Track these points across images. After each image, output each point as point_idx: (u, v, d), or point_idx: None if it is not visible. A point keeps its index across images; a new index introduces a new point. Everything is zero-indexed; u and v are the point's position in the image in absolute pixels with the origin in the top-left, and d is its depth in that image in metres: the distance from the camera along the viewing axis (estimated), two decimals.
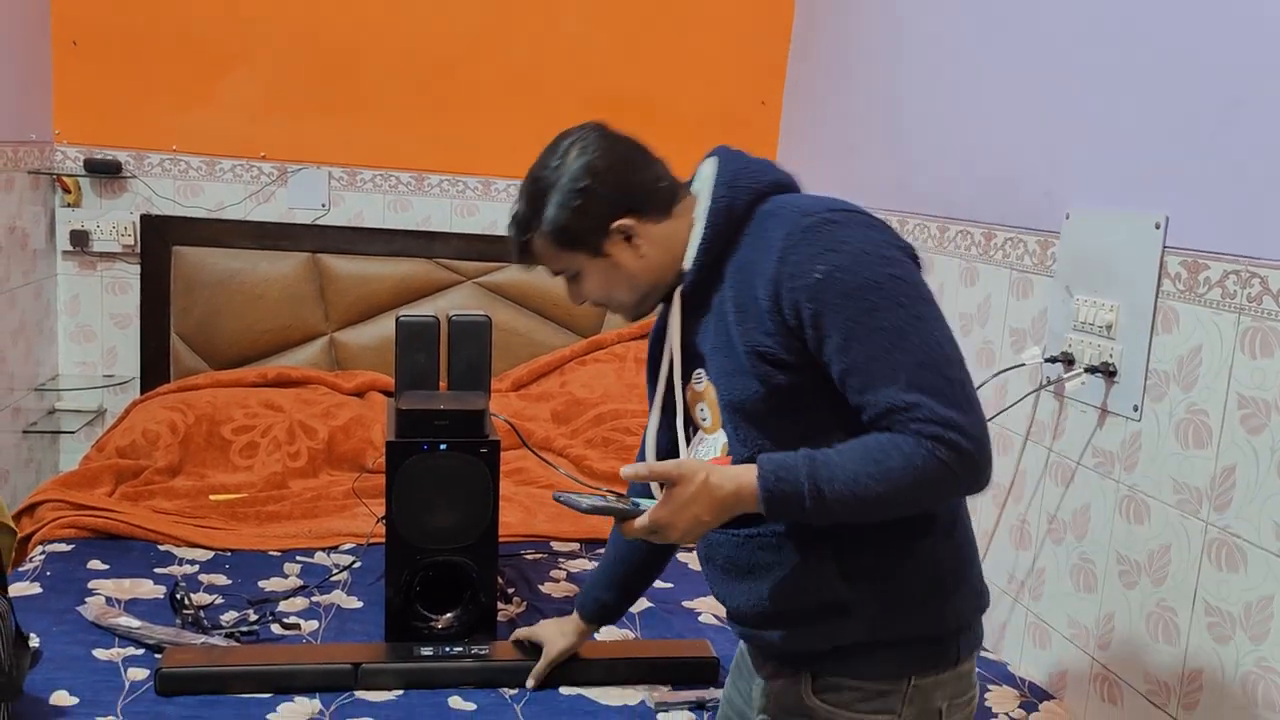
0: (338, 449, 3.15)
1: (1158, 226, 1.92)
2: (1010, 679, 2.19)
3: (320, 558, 2.58)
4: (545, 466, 2.84)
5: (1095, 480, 2.09)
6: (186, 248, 3.54)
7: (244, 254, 3.57)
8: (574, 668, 2.01)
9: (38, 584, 2.28)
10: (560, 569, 2.60)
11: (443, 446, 2.08)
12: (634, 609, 2.26)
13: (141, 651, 2.02)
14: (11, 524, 1.90)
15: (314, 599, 2.34)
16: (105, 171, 3.51)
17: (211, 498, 2.85)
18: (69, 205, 3.52)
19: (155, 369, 3.54)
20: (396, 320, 2.25)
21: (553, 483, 3.05)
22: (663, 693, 2.00)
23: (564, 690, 1.99)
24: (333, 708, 1.88)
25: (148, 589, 2.32)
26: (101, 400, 3.65)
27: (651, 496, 1.35)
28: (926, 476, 1.23)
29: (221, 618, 2.19)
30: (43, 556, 2.43)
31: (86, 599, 2.20)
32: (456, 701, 1.92)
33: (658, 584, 1.98)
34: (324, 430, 3.15)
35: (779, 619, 1.40)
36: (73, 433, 3.59)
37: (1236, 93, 1.78)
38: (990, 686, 2.12)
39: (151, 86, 3.54)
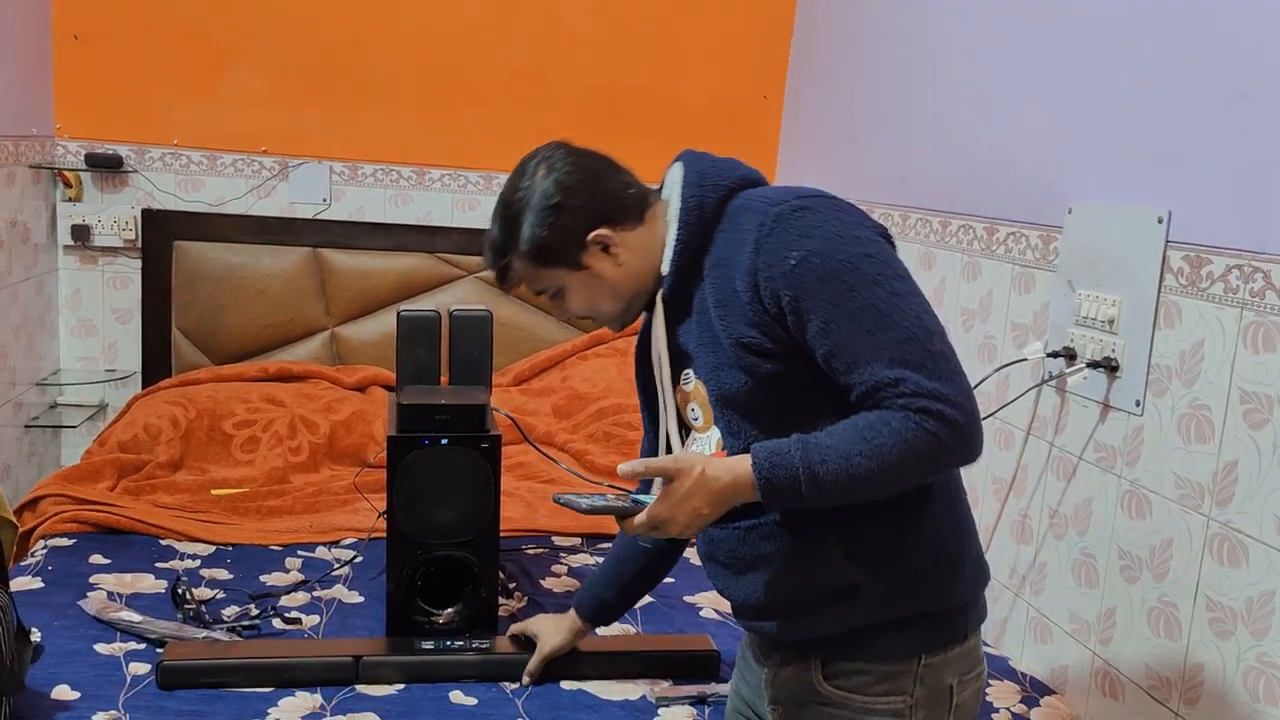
0: (339, 444, 3.15)
1: (1160, 221, 1.92)
2: (1012, 674, 2.19)
3: (321, 552, 2.58)
4: (546, 461, 2.84)
5: (1097, 475, 2.08)
6: (188, 242, 3.54)
7: (245, 248, 3.57)
8: (574, 661, 2.00)
9: (39, 579, 2.28)
10: (561, 564, 2.60)
11: (444, 441, 2.08)
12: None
13: (143, 646, 2.02)
14: (13, 518, 1.90)
15: (315, 594, 2.34)
16: (106, 166, 3.51)
17: (213, 492, 2.85)
18: (70, 200, 3.52)
19: (157, 364, 3.54)
20: (398, 315, 2.25)
21: (554, 478, 3.04)
22: (663, 688, 2.00)
23: (565, 685, 1.99)
24: (334, 702, 1.88)
25: (149, 583, 2.32)
26: (103, 395, 3.65)
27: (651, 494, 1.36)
28: (918, 450, 1.24)
29: (223, 612, 2.19)
30: (44, 551, 2.43)
31: (88, 594, 2.21)
32: (458, 696, 1.92)
33: None
34: (325, 425, 3.15)
35: (787, 608, 1.41)
36: (74, 427, 3.59)
37: (1239, 87, 1.77)
38: (991, 681, 2.12)
39: (152, 81, 3.53)
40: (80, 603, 2.15)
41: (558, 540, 2.74)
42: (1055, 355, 2.17)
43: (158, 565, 2.42)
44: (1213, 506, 1.78)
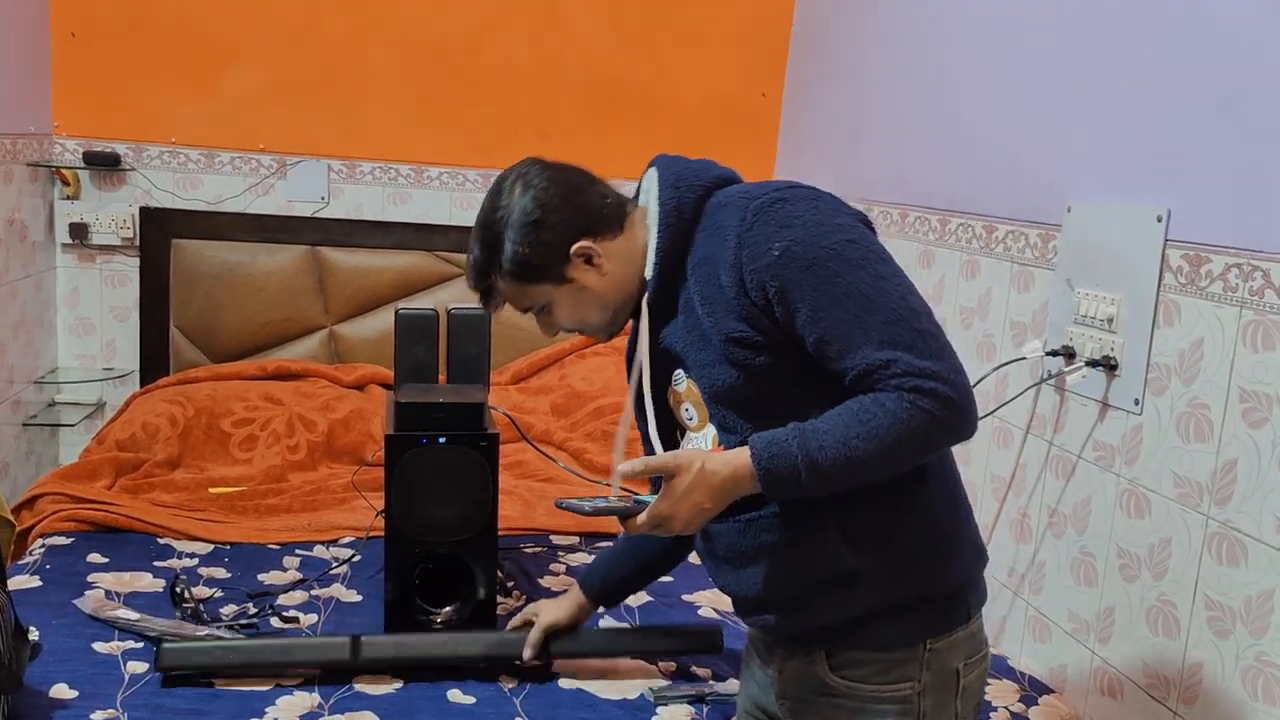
0: (337, 442, 3.14)
1: (1159, 220, 1.91)
2: (1010, 673, 2.18)
3: (319, 551, 2.58)
4: (545, 460, 2.84)
5: (1096, 474, 2.08)
6: (186, 240, 3.54)
7: (243, 247, 3.57)
8: (577, 640, 2.00)
9: (37, 577, 2.28)
10: (560, 562, 2.60)
11: (442, 440, 2.08)
12: (633, 602, 2.27)
13: (141, 644, 2.01)
14: (10, 517, 1.90)
15: (313, 592, 2.34)
16: (104, 164, 3.50)
17: (211, 491, 2.85)
18: (68, 198, 3.52)
19: (155, 362, 3.54)
20: (396, 313, 2.25)
21: (552, 476, 3.04)
22: (662, 686, 2.00)
23: (563, 684, 1.99)
24: (331, 700, 1.88)
25: (147, 582, 2.32)
26: (101, 393, 3.64)
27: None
28: (914, 429, 1.26)
29: (221, 611, 2.19)
30: (42, 549, 2.43)
31: (85, 592, 2.20)
32: (456, 695, 1.92)
33: None
34: (323, 423, 3.15)
35: (790, 599, 1.42)
36: (72, 426, 3.58)
37: (1239, 85, 1.77)
38: (990, 680, 2.11)
39: (150, 78, 3.53)
40: (76, 601, 2.15)
41: (556, 539, 2.74)
42: (1054, 354, 2.17)
43: (156, 564, 2.41)
44: (1212, 505, 1.78)
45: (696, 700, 1.96)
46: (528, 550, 2.65)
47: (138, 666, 1.93)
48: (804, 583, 1.40)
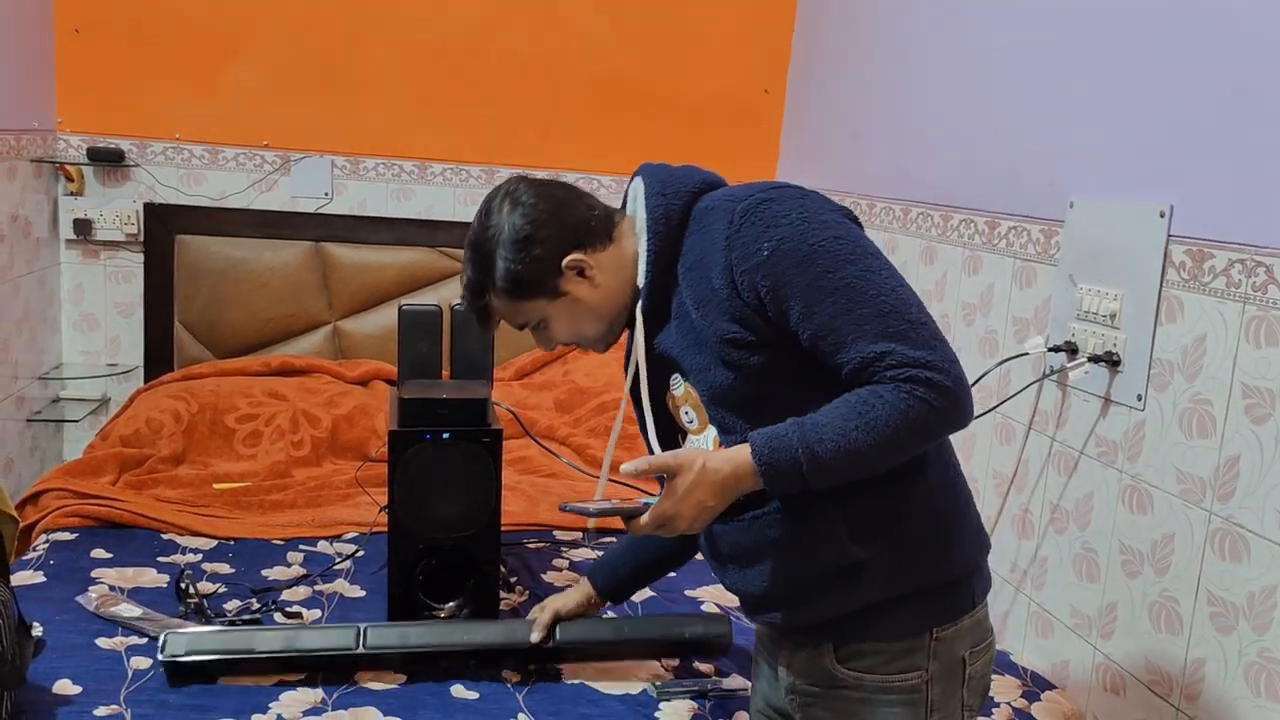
0: (341, 438, 3.15)
1: (1162, 215, 1.91)
2: (1013, 668, 2.19)
3: (323, 546, 2.58)
4: (548, 455, 2.84)
5: (1098, 470, 2.08)
6: (190, 236, 3.54)
7: (247, 242, 3.57)
8: (582, 626, 2.00)
9: (41, 573, 2.28)
10: (563, 558, 2.60)
11: (445, 435, 2.08)
12: (635, 597, 2.26)
13: (144, 641, 2.02)
14: (14, 513, 1.90)
15: (317, 588, 2.34)
16: (108, 160, 3.51)
17: (215, 486, 2.86)
18: (72, 194, 3.52)
19: (159, 358, 3.55)
20: (399, 309, 2.25)
21: (555, 472, 3.05)
22: (665, 681, 2.00)
23: (566, 679, 1.99)
24: (335, 696, 1.88)
25: (151, 578, 2.32)
26: (105, 389, 3.65)
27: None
28: (911, 418, 1.27)
29: (224, 606, 2.19)
30: (46, 545, 2.44)
31: (88, 589, 2.21)
32: (459, 690, 1.92)
33: None
34: (327, 419, 3.15)
35: (796, 594, 1.43)
36: (76, 421, 3.59)
37: (1242, 80, 1.77)
38: (993, 675, 2.11)
39: (154, 74, 3.53)
40: (78, 598, 2.15)
41: (559, 534, 2.74)
42: (1057, 350, 2.17)
43: (159, 560, 2.42)
44: (1214, 501, 1.78)
45: (699, 695, 1.96)
46: (531, 546, 2.65)
47: (141, 662, 1.93)
48: (809, 577, 1.41)
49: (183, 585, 2.17)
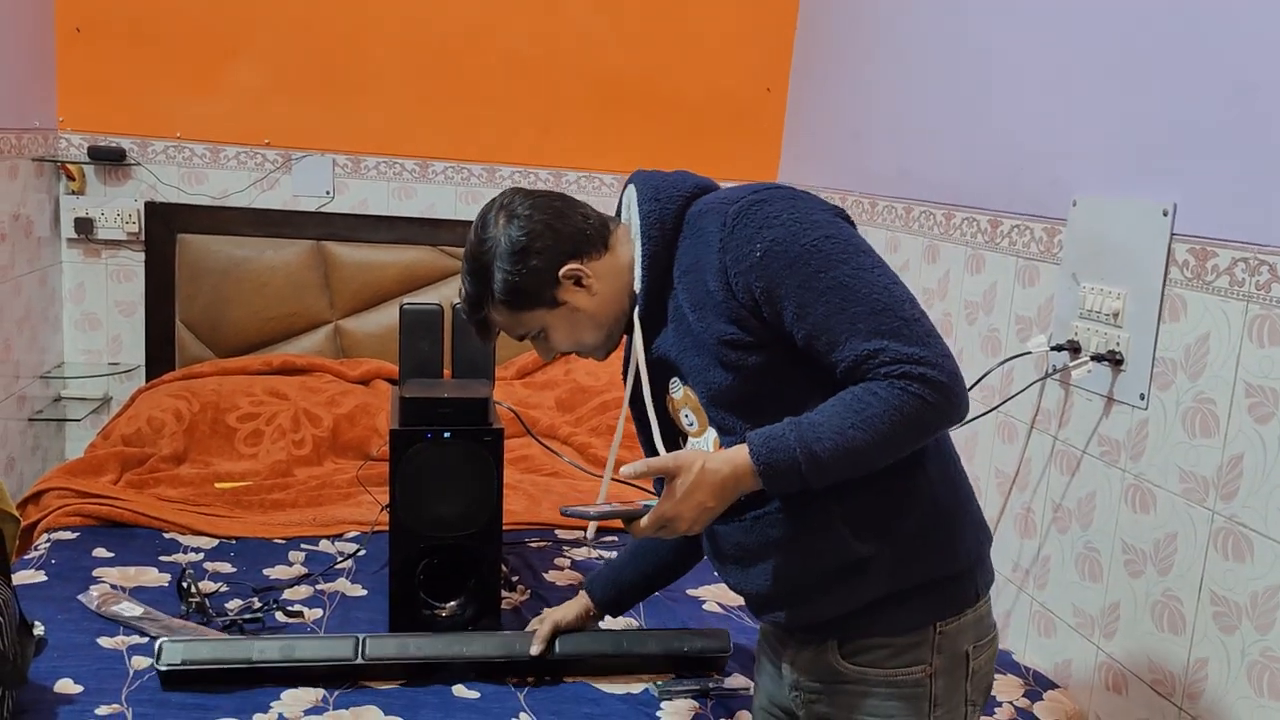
0: (342, 437, 3.15)
1: (1166, 214, 1.91)
2: (1015, 667, 2.18)
3: (325, 546, 2.58)
4: (549, 454, 2.84)
5: (1101, 469, 2.08)
6: (191, 235, 3.54)
7: (248, 241, 3.57)
8: (582, 639, 1.99)
9: (43, 572, 2.28)
10: (564, 557, 2.60)
11: (447, 434, 2.08)
12: None
13: (145, 640, 2.02)
14: (15, 512, 1.90)
15: (318, 587, 2.34)
16: (109, 159, 3.50)
17: (216, 485, 2.86)
18: (73, 193, 3.52)
19: (160, 357, 3.55)
20: (400, 308, 2.25)
21: (557, 471, 3.05)
22: (667, 680, 2.00)
23: (568, 679, 1.99)
24: (336, 695, 1.88)
25: (153, 577, 2.32)
26: (107, 388, 3.65)
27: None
28: (907, 414, 1.28)
29: (226, 605, 2.19)
30: (48, 544, 2.44)
31: (90, 588, 2.20)
32: (460, 690, 1.92)
33: None
34: (329, 418, 3.15)
35: (801, 591, 1.43)
36: (78, 420, 3.59)
37: (1245, 78, 1.76)
38: (995, 675, 2.11)
39: (155, 73, 3.53)
40: (79, 597, 2.15)
41: (561, 533, 2.74)
42: (1059, 348, 2.17)
43: (161, 559, 2.42)
44: (1217, 500, 1.77)
45: (701, 695, 1.96)
46: (532, 545, 2.65)
47: (143, 661, 1.93)
48: (813, 574, 1.41)
49: (184, 584, 2.17)
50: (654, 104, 3.79)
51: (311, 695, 1.87)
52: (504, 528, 2.17)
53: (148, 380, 3.48)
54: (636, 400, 1.52)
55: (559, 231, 1.48)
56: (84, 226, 3.52)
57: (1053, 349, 2.19)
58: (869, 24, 3.29)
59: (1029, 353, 2.26)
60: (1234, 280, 1.76)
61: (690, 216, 1.45)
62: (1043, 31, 2.36)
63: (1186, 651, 1.83)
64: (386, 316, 3.60)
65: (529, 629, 2.03)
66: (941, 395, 1.29)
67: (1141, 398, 1.96)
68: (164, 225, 3.54)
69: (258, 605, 2.19)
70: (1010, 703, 2.04)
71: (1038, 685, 2.12)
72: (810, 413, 1.32)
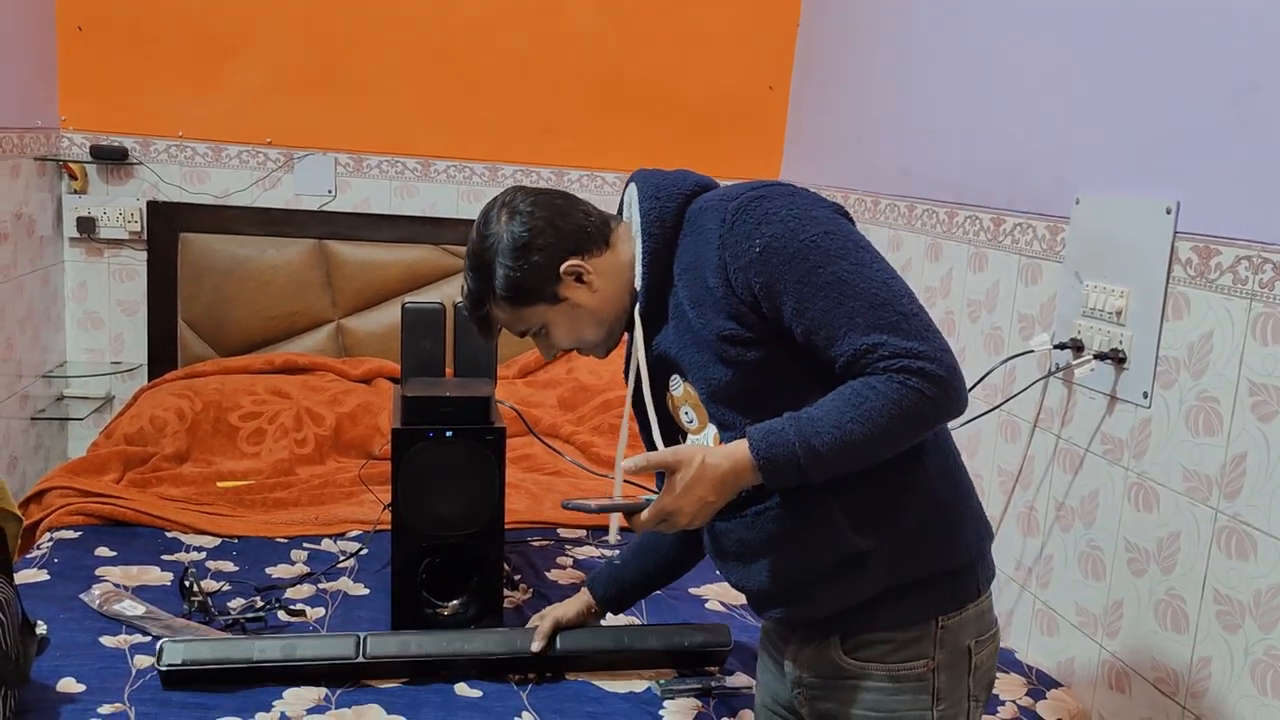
0: (345, 436, 3.15)
1: (1169, 211, 1.90)
2: (1018, 666, 2.18)
3: (327, 544, 2.58)
4: (551, 453, 2.84)
5: (1104, 467, 2.07)
6: (193, 234, 3.54)
7: (251, 240, 3.57)
8: (583, 636, 1.99)
9: (45, 571, 2.28)
10: (567, 555, 2.60)
11: (449, 433, 2.08)
12: None
13: (148, 639, 2.02)
14: (17, 511, 1.90)
15: (321, 586, 2.34)
16: (111, 158, 3.51)
17: (219, 485, 2.85)
18: (75, 192, 3.52)
19: (162, 356, 3.55)
20: (402, 307, 2.25)
21: (559, 470, 3.04)
22: (669, 679, 1.99)
23: (570, 677, 1.99)
24: (338, 694, 1.88)
25: (155, 575, 2.32)
26: (109, 387, 3.65)
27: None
28: (905, 408, 1.29)
29: (229, 604, 2.19)
30: (50, 543, 2.44)
31: (93, 587, 2.20)
32: (462, 689, 1.92)
33: None
34: (331, 417, 3.15)
35: (802, 587, 1.44)
36: (80, 420, 3.59)
37: (1249, 76, 1.76)
38: (998, 674, 2.11)
39: (157, 72, 3.53)
40: (82, 596, 2.15)
41: (563, 532, 2.74)
42: (1062, 347, 2.16)
43: (163, 558, 2.42)
44: (1221, 499, 1.77)
45: (703, 694, 1.96)
46: (535, 544, 2.65)
47: (145, 660, 1.93)
48: (813, 570, 1.42)
49: (187, 583, 2.17)
50: (656, 102, 3.79)
51: (313, 694, 1.87)
52: (506, 527, 2.17)
53: (150, 379, 3.48)
54: (638, 398, 1.52)
55: (560, 228, 1.49)
56: (86, 226, 3.52)
57: (1055, 347, 2.19)
58: (871, 22, 3.29)
59: (1032, 351, 2.26)
60: (1237, 278, 1.75)
61: (690, 214, 1.46)
62: (1046, 29, 2.35)
63: (1190, 650, 1.83)
64: (388, 315, 3.60)
65: (530, 625, 2.03)
66: (940, 389, 1.29)
67: (1145, 396, 1.96)
68: (166, 224, 3.54)
69: (260, 604, 2.18)
70: (1013, 701, 2.03)
71: (1040, 684, 2.12)
72: (809, 407, 1.32)
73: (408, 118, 3.69)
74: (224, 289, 3.54)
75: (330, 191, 3.69)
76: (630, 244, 1.51)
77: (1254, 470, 1.70)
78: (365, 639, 1.93)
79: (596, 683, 1.97)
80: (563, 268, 1.48)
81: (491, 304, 1.53)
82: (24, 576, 2.21)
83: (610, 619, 2.10)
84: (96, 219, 3.52)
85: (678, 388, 1.49)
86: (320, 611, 2.21)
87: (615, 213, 1.59)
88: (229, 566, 2.41)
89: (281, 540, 2.59)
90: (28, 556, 2.38)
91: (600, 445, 3.15)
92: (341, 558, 2.48)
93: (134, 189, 3.57)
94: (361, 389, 3.36)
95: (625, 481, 1.54)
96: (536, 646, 1.94)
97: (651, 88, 3.78)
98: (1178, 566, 1.86)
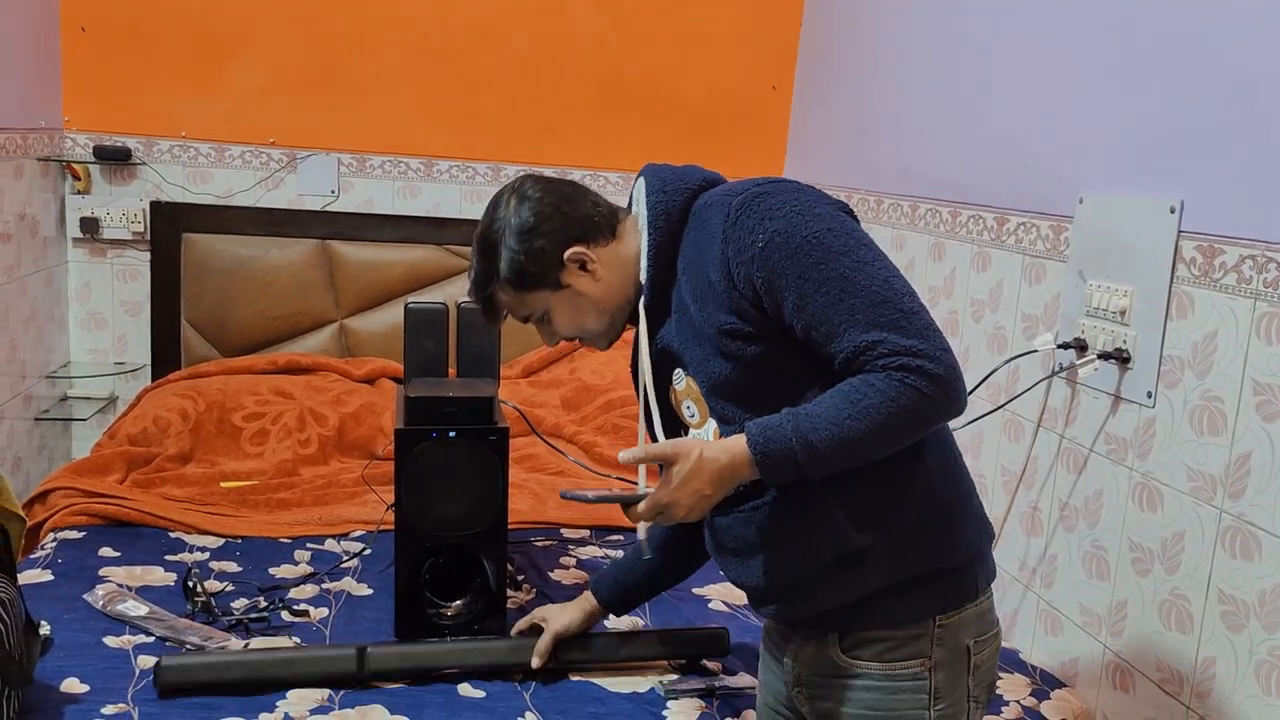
0: (348, 436, 3.15)
1: (1173, 211, 1.90)
2: (1022, 666, 2.18)
3: (330, 545, 2.58)
4: (555, 453, 2.84)
5: (1108, 467, 2.07)
6: (196, 235, 3.54)
7: (254, 240, 3.57)
8: (582, 645, 1.99)
9: (49, 571, 2.28)
10: (570, 556, 2.59)
11: (452, 434, 2.08)
12: None
13: (152, 639, 2.02)
14: (20, 511, 1.90)
15: (324, 586, 2.34)
16: (115, 158, 3.51)
17: (222, 485, 2.86)
18: (79, 192, 3.53)
19: (166, 356, 3.55)
20: (405, 307, 2.25)
21: (562, 470, 3.04)
22: (672, 679, 1.99)
23: (574, 677, 1.98)
24: (341, 694, 1.88)
25: (158, 576, 2.32)
26: (113, 387, 3.65)
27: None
28: (903, 406, 1.29)
29: (232, 605, 2.19)
30: (54, 544, 2.44)
31: (97, 587, 2.21)
32: (466, 689, 1.92)
33: None
34: (334, 417, 3.15)
35: (800, 583, 1.44)
36: (84, 420, 3.60)
37: (1253, 74, 1.75)
38: (1001, 674, 2.11)
39: (160, 72, 3.53)
40: (86, 596, 2.15)
41: (566, 532, 2.74)
42: (1066, 346, 2.16)
43: (167, 558, 2.42)
44: (1225, 499, 1.77)
45: (706, 694, 1.96)
46: (538, 544, 2.65)
47: (149, 661, 1.93)
48: (812, 566, 1.42)
49: (190, 584, 2.17)
50: (659, 102, 3.78)
51: (317, 694, 1.87)
52: (509, 527, 2.17)
53: (153, 380, 3.48)
54: (644, 392, 1.53)
55: (567, 215, 1.52)
56: (89, 226, 3.52)
57: (1059, 347, 2.19)
58: (875, 21, 3.28)
59: (1035, 351, 2.25)
60: (1241, 277, 1.75)
61: (696, 209, 1.47)
62: (1047, 29, 2.35)
63: (1194, 650, 1.82)
64: (392, 315, 3.60)
65: (523, 625, 2.03)
66: (939, 388, 1.29)
67: (1149, 396, 1.95)
68: (169, 225, 3.54)
69: (263, 604, 2.19)
70: (1017, 701, 2.03)
71: (1044, 684, 2.12)
72: (808, 404, 1.33)
73: (410, 118, 3.69)
74: (227, 289, 3.54)
75: (333, 192, 3.69)
76: (636, 236, 1.52)
77: (1258, 470, 1.70)
78: (366, 653, 1.92)
79: (599, 683, 1.97)
80: (566, 254, 1.50)
81: (496, 286, 1.55)
82: (28, 577, 2.21)
83: (612, 622, 2.10)
84: (100, 219, 3.53)
85: (680, 382, 1.50)
86: (324, 612, 2.21)
87: (625, 206, 1.60)
88: (232, 567, 2.41)
89: (285, 540, 2.59)
90: (31, 557, 2.38)
91: (603, 445, 3.15)
92: (345, 558, 2.48)
93: (137, 189, 3.57)
94: (365, 389, 3.36)
95: (621, 478, 1.54)
96: (536, 664, 1.96)
97: (654, 87, 3.78)
98: (1182, 566, 1.86)
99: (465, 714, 1.84)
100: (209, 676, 1.86)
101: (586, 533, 2.75)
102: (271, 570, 2.40)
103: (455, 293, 3.54)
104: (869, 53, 3.31)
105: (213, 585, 2.27)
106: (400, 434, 2.08)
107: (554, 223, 1.51)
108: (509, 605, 2.22)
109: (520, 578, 2.43)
